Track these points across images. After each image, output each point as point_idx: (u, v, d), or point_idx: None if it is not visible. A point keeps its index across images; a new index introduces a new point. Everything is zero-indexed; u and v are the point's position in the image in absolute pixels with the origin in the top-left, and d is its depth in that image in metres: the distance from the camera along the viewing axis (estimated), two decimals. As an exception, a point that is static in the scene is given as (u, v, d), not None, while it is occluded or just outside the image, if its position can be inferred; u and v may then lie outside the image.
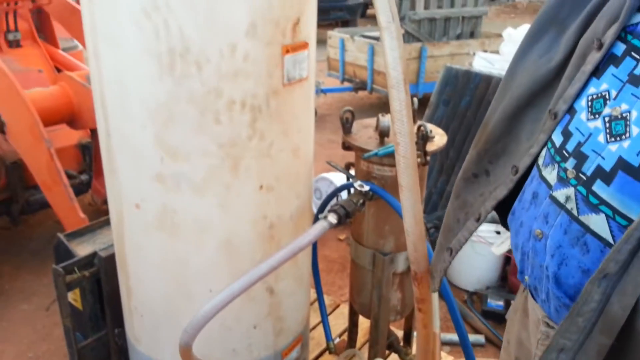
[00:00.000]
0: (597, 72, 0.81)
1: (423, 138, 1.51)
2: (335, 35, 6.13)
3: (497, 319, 2.57)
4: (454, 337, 2.36)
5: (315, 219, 1.76)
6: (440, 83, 3.36)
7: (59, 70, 3.15)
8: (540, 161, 0.89)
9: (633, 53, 0.76)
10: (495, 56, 3.21)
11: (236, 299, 1.22)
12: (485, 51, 3.90)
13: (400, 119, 0.93)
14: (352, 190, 1.58)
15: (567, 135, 0.83)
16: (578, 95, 0.83)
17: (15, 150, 2.77)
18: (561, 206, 0.83)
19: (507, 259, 2.81)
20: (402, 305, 1.83)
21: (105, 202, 2.75)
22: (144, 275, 1.55)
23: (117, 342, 1.98)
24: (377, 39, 5.73)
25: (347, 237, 3.51)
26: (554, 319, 0.90)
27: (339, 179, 3.22)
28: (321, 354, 2.09)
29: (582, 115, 0.81)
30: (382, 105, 6.42)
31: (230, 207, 1.42)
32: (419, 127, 1.51)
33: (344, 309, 2.40)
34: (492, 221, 2.83)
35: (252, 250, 1.49)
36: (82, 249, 1.94)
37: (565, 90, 0.84)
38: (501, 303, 2.59)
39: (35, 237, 3.48)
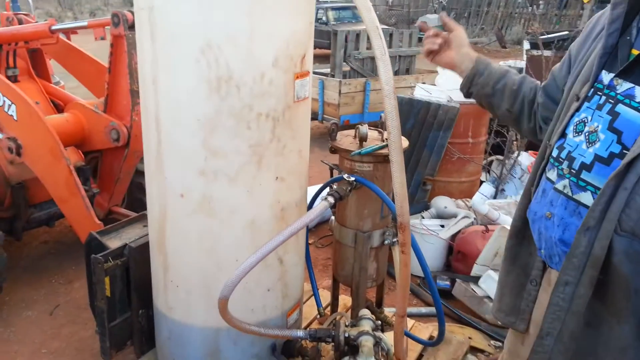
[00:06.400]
0: (577, 109, 1.26)
1: (392, 140, 2.05)
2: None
3: (445, 295, 3.16)
4: (418, 310, 2.90)
5: (309, 208, 2.26)
6: (387, 109, 3.98)
7: (52, 102, 3.50)
8: (546, 168, 1.33)
9: (598, 92, 1.21)
10: (432, 87, 3.89)
11: (255, 266, 1.59)
12: (424, 83, 4.62)
13: (391, 117, 1.46)
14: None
15: (561, 149, 1.27)
16: (565, 128, 1.27)
17: (19, 172, 3.09)
18: (560, 192, 1.24)
19: (450, 249, 3.40)
20: (377, 274, 2.34)
21: (107, 214, 3.11)
22: (183, 252, 1.97)
23: (140, 322, 2.35)
24: (326, 75, 6.39)
25: (314, 241, 4.00)
26: None
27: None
28: (311, 322, 2.55)
29: (571, 135, 1.25)
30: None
31: (254, 194, 1.88)
32: (388, 133, 2.06)
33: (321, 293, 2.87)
34: (437, 217, 3.43)
35: (269, 229, 1.96)
36: (111, 243, 2.32)
37: (558, 129, 1.30)
38: (447, 282, 3.19)
39: (24, 255, 3.72)
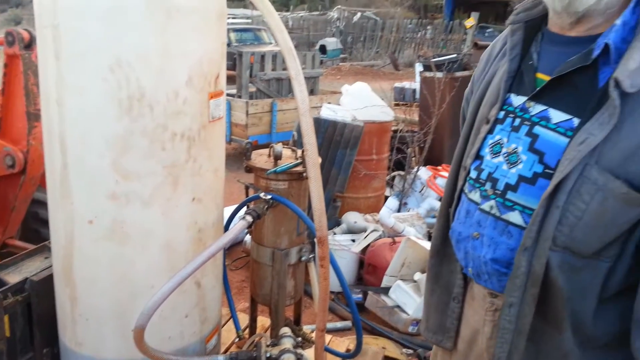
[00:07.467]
0: (489, 132, 1.29)
1: (306, 158, 2.11)
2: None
3: (358, 307, 3.22)
4: (334, 325, 2.95)
5: (225, 229, 2.24)
6: (297, 130, 4.07)
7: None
8: (465, 189, 1.35)
9: (510, 115, 1.25)
10: (337, 107, 4.05)
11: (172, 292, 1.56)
12: (329, 103, 4.79)
13: (307, 134, 1.51)
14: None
15: (479, 170, 1.30)
16: (479, 150, 1.31)
17: None
18: (487, 213, 1.25)
19: (361, 262, 3.52)
20: (295, 291, 2.36)
21: (0, 248, 2.85)
22: (93, 282, 1.86)
23: (44, 362, 2.18)
24: (233, 95, 6.38)
25: (228, 263, 3.94)
26: (497, 289, 1.28)
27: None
28: (229, 346, 2.50)
29: (488, 157, 1.28)
30: (238, 155, 6.99)
31: (170, 216, 1.84)
32: (302, 151, 2.12)
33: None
34: (348, 232, 3.54)
35: (186, 251, 1.91)
36: (10, 278, 2.13)
37: (470, 151, 1.34)
38: (360, 295, 3.29)
39: None
